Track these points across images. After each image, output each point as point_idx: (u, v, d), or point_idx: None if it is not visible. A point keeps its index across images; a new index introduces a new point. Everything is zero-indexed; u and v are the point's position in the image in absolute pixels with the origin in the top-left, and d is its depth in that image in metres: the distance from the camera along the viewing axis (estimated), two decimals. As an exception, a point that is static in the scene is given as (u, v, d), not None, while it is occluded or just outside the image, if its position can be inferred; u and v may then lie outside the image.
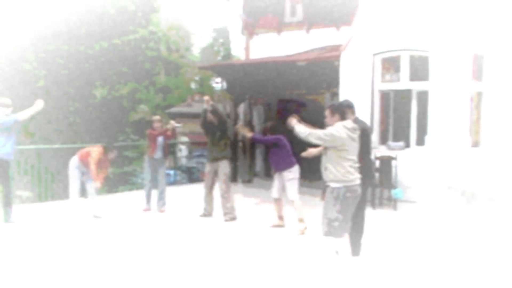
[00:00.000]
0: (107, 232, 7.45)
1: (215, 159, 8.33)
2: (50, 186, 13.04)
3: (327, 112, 5.10)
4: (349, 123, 5.00)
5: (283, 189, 7.56)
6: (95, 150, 8.28)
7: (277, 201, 7.68)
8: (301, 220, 7.32)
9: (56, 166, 12.95)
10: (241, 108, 12.80)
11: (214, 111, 8.22)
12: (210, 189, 8.50)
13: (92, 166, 8.08)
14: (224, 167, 8.31)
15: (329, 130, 4.90)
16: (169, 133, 9.19)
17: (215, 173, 8.37)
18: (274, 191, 7.64)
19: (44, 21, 12.41)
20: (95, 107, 13.43)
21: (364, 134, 5.31)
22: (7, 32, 11.99)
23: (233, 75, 13.18)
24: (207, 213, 8.51)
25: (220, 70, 13.80)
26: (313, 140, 4.91)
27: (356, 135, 4.98)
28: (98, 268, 5.46)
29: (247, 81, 12.80)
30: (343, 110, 5.07)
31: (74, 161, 8.39)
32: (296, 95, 13.05)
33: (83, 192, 8.50)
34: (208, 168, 8.52)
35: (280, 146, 7.50)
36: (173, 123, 9.43)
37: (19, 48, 11.96)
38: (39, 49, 12.07)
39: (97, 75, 13.23)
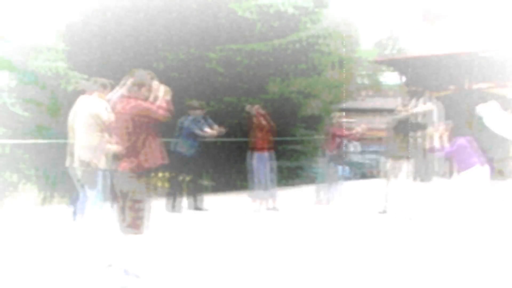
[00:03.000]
0: (281, 224, 7.61)
1: (399, 157, 8.13)
2: (228, 177, 13.87)
3: None
4: None
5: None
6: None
7: None
8: None
9: (234, 158, 13.65)
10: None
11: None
12: (390, 185, 8.29)
13: None
14: (408, 164, 8.11)
15: None
16: (346, 132, 9.20)
17: (397, 170, 8.13)
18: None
19: (223, 22, 13.11)
20: (268, 102, 13.84)
21: None
22: (190, 33, 12.89)
23: (409, 68, 12.64)
24: (386, 209, 8.29)
25: (396, 63, 13.36)
26: None
27: None
28: (271, 259, 5.55)
29: (425, 74, 12.18)
30: None
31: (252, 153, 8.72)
32: (478, 87, 12.07)
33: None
34: (390, 164, 8.29)
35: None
36: None
37: (201, 47, 12.76)
38: (219, 48, 12.78)
39: (271, 71, 13.61)
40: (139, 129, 4.34)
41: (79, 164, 4.96)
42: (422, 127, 8.37)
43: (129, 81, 4.46)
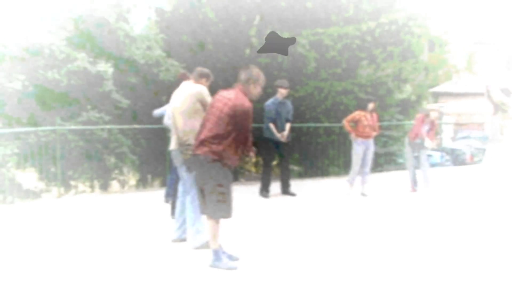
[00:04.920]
0: (372, 210, 7.52)
1: None
2: (316, 162, 13.88)
3: None
4: None
5: None
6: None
7: None
8: None
9: (323, 144, 13.62)
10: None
11: None
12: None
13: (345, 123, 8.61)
14: None
15: None
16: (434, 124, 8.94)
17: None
18: None
19: (312, 5, 12.99)
20: (361, 87, 13.61)
21: None
22: (279, 17, 12.92)
23: None
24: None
25: (496, 44, 12.54)
26: None
27: None
28: (357, 245, 5.51)
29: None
30: None
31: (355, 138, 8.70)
32: None
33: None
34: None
35: None
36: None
37: (293, 33, 12.75)
38: (310, 32, 12.70)
39: (362, 55, 13.34)
40: (232, 125, 4.45)
41: (185, 148, 5.16)
42: None
43: (243, 75, 4.58)
